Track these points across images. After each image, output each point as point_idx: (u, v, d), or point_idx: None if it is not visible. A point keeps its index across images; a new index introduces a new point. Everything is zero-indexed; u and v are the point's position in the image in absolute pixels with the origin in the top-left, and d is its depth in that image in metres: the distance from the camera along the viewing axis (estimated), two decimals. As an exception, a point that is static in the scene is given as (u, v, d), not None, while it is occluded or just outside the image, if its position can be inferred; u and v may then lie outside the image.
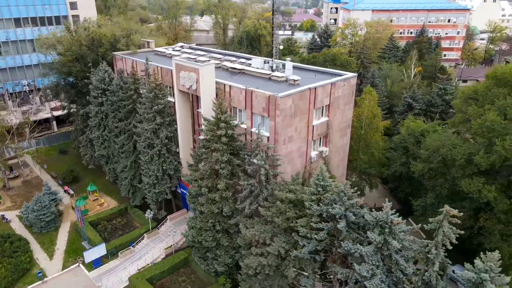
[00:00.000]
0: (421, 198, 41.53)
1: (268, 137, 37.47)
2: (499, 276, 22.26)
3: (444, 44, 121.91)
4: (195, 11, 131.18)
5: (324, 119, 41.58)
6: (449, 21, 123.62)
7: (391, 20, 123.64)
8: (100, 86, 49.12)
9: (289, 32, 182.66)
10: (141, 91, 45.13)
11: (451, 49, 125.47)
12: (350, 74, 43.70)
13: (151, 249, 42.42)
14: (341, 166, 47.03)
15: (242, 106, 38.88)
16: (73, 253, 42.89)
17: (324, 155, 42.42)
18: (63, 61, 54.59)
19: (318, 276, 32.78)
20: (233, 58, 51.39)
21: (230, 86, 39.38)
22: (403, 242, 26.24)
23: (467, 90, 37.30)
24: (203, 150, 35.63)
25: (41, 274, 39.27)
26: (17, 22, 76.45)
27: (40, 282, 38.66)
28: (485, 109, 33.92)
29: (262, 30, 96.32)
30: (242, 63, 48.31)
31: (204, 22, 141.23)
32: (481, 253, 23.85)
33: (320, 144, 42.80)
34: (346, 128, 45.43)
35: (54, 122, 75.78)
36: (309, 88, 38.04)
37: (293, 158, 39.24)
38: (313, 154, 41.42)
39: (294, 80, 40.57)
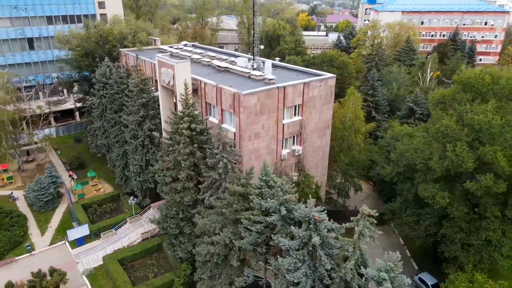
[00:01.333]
0: (390, 202, 41.15)
1: (234, 133, 39.12)
2: (400, 276, 22.36)
3: (480, 48, 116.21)
4: (222, 10, 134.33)
5: (297, 118, 42.33)
6: (485, 23, 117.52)
7: (422, 22, 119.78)
8: (101, 80, 52.99)
9: (323, 33, 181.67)
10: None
11: (487, 54, 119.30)
12: (328, 75, 44.13)
13: (130, 233, 45.39)
14: (321, 166, 47.41)
15: (214, 102, 40.74)
16: (63, 231, 46.65)
17: (296, 154, 43.20)
18: (74, 56, 59.31)
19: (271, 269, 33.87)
20: (225, 57, 53.25)
21: (204, 83, 41.40)
22: (328, 239, 26.79)
23: (437, 95, 36.49)
24: (170, 142, 37.86)
25: (29, 247, 43.47)
26: (49, 19, 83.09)
27: (27, 254, 42.82)
28: (448, 114, 33.20)
29: (281, 31, 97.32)
30: (231, 62, 50.08)
31: (234, 22, 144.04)
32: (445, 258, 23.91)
33: (294, 143, 43.57)
34: (325, 129, 45.78)
35: (77, 113, 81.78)
36: (278, 87, 39.08)
37: (261, 154, 40.40)
38: (284, 152, 42.28)
39: (269, 79, 41.69)
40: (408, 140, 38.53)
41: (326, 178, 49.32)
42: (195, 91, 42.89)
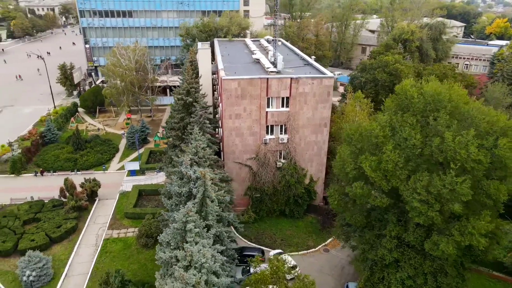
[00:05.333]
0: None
1: (221, 110, 47.11)
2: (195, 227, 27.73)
3: None
4: (369, 12, 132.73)
5: (284, 109, 46.59)
6: None
7: None
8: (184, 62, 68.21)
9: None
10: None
11: None
12: (326, 75, 46.25)
13: (162, 177, 59.20)
14: (316, 161, 49.80)
15: (219, 83, 49.40)
16: (132, 164, 64.54)
17: (281, 142, 47.55)
18: (184, 41, 76.67)
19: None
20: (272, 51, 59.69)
21: (218, 66, 50.37)
22: (208, 192, 33.03)
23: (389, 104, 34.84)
24: (174, 109, 49.03)
25: (105, 167, 62.73)
26: (203, 13, 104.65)
27: (101, 171, 62.12)
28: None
29: (408, 35, 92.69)
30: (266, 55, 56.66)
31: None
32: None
33: (282, 132, 47.90)
34: (322, 126, 48.01)
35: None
36: (260, 78, 44.79)
37: (242, 133, 47.04)
38: (268, 137, 47.39)
39: (271, 71, 47.40)
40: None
41: (325, 175, 50.98)
42: (215, 73, 52.42)
